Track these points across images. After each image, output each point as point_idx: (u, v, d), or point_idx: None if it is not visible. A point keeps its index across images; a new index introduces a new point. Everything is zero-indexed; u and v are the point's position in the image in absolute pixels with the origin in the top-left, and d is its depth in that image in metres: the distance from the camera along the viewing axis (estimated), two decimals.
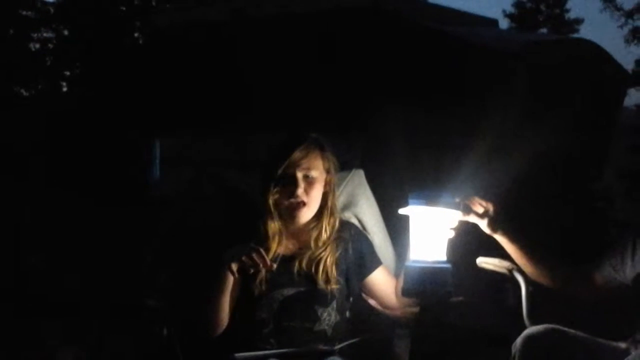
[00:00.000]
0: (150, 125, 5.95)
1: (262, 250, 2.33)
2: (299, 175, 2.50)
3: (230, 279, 2.39)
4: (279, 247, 2.54)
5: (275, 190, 2.50)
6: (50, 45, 19.93)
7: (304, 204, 2.50)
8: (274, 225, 2.53)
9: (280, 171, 2.49)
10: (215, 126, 5.23)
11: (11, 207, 6.55)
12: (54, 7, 19.64)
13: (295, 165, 2.49)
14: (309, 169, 2.51)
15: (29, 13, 19.52)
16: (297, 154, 2.50)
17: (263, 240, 2.51)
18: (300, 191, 2.49)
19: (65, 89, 19.18)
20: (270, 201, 2.51)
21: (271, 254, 2.49)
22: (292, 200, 2.49)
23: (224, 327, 2.46)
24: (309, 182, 2.51)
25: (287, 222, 2.55)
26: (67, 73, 19.61)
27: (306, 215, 2.54)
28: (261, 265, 2.31)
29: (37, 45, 19.93)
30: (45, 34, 19.90)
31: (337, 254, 2.55)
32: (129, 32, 18.61)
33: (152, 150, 5.77)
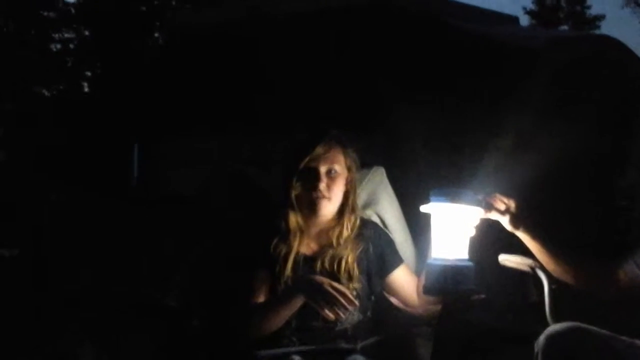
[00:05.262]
0: (155, 125, 5.98)
1: (341, 288, 2.34)
2: (322, 169, 2.50)
3: (299, 304, 2.40)
4: (301, 246, 2.54)
5: (298, 184, 2.51)
6: (72, 46, 20.05)
7: (325, 198, 2.50)
8: (294, 220, 2.53)
9: (302, 165, 2.50)
10: (233, 124, 5.24)
11: (31, 203, 6.60)
12: (75, 7, 19.77)
13: (318, 159, 2.50)
14: (331, 163, 2.52)
15: (50, 14, 19.65)
16: (320, 149, 2.51)
17: (284, 237, 2.52)
18: (322, 185, 2.49)
19: (86, 89, 19.31)
20: (292, 195, 2.51)
21: (293, 252, 2.50)
22: (314, 194, 2.50)
23: None
24: (331, 177, 2.52)
25: (308, 217, 2.55)
26: (89, 73, 19.72)
27: (327, 208, 2.53)
28: (347, 305, 2.32)
29: (58, 46, 20.07)
30: (66, 35, 20.03)
31: (358, 252, 2.55)
32: (149, 31, 18.70)
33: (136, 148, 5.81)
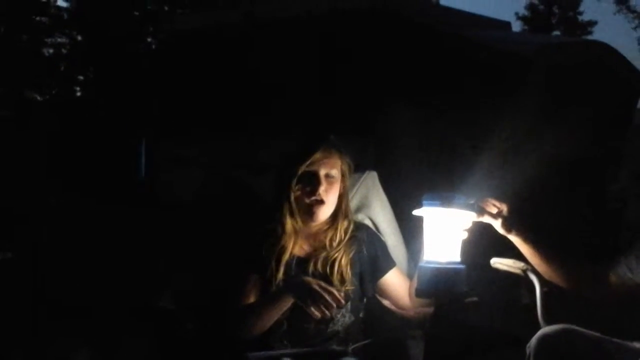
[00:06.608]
0: (155, 126, 5.97)
1: (329, 287, 2.34)
2: (322, 173, 2.53)
3: (288, 304, 2.41)
4: (294, 248, 2.56)
5: (297, 187, 2.53)
6: (64, 51, 20.05)
7: (323, 202, 2.53)
8: (291, 223, 2.55)
9: (302, 169, 2.52)
10: (226, 129, 5.25)
11: (29, 209, 6.58)
12: (68, 12, 19.76)
13: (318, 163, 2.53)
14: (330, 167, 2.55)
15: (43, 18, 19.65)
16: (320, 153, 2.53)
17: (278, 239, 2.53)
18: (322, 189, 2.52)
19: (79, 94, 19.30)
20: (291, 198, 2.53)
21: (287, 255, 2.52)
22: (313, 198, 2.52)
23: None
24: (330, 181, 2.55)
25: (304, 220, 2.57)
26: (81, 78, 19.72)
27: (324, 212, 2.56)
28: (334, 304, 2.31)
29: (51, 51, 20.07)
30: (59, 39, 20.03)
31: (351, 255, 2.57)
32: (142, 36, 18.69)
33: (143, 150, 5.80)
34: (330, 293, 2.31)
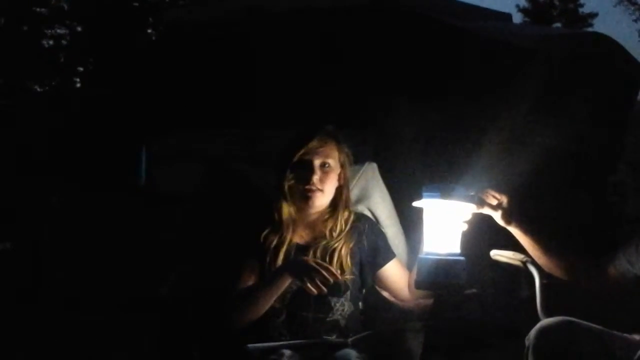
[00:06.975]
0: (154, 122, 5.97)
1: (324, 264, 2.35)
2: (316, 162, 2.53)
3: (285, 284, 2.42)
4: (294, 236, 2.56)
5: (291, 176, 2.54)
6: (64, 42, 20.04)
7: (318, 190, 2.53)
8: (287, 211, 2.55)
9: (297, 158, 2.53)
10: (225, 122, 5.24)
11: (29, 204, 6.58)
12: (68, 3, 19.74)
13: (313, 152, 2.53)
14: (325, 157, 2.55)
15: (43, 10, 19.63)
16: (315, 142, 2.54)
17: (276, 228, 2.54)
18: (316, 178, 2.52)
19: (78, 85, 19.30)
20: (285, 187, 2.53)
21: (286, 242, 2.52)
22: (307, 186, 2.52)
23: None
24: (325, 171, 2.55)
25: (301, 209, 2.57)
26: (81, 69, 19.72)
27: (320, 201, 2.56)
28: (331, 279, 2.32)
29: (51, 42, 20.05)
30: (58, 31, 20.02)
31: (352, 245, 2.57)
32: (142, 28, 18.67)
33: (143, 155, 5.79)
34: (327, 268, 2.32)
